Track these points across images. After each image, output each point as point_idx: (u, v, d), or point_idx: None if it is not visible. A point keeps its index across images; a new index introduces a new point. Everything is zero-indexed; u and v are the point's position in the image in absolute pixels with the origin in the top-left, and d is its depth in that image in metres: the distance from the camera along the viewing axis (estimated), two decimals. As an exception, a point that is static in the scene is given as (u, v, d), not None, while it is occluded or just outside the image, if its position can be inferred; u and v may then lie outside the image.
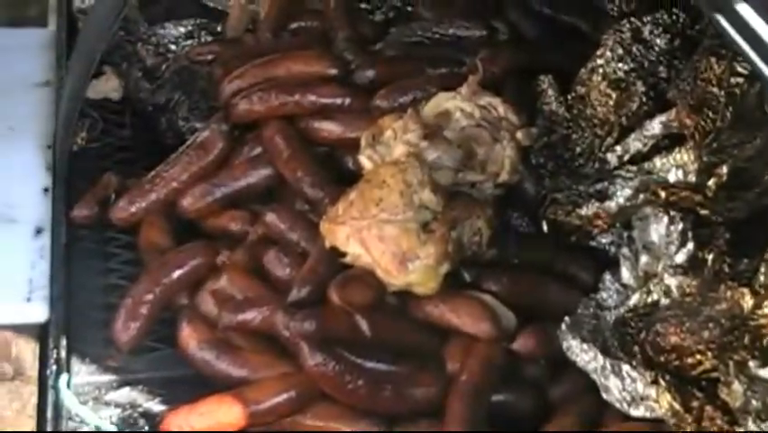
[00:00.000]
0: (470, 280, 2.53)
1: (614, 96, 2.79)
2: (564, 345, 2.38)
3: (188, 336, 2.44)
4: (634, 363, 2.29)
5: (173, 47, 3.25)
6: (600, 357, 2.31)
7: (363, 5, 3.34)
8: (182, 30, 3.29)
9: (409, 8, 3.34)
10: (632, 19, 2.91)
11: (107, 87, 3.15)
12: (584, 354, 2.34)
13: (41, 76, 3.31)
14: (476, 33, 3.12)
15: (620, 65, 2.82)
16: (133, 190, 2.82)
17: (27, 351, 2.57)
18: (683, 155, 2.55)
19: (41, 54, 3.38)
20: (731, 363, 2.18)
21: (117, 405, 2.43)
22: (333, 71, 2.91)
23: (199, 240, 2.72)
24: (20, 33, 3.49)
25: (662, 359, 2.30)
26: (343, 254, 2.46)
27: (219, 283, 2.55)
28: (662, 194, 2.55)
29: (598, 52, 2.87)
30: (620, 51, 2.84)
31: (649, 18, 2.88)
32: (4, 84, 3.28)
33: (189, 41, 3.27)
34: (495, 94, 2.71)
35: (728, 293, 2.27)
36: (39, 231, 2.79)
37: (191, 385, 2.43)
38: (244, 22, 3.25)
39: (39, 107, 3.15)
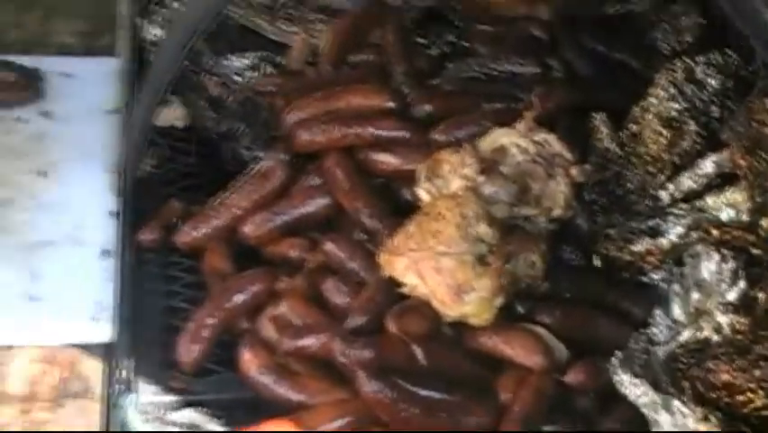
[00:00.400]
0: (524, 313, 2.51)
1: (666, 134, 2.77)
2: (615, 378, 2.35)
3: (249, 361, 2.44)
4: (684, 398, 2.25)
5: (237, 78, 3.26)
6: (651, 392, 2.28)
7: (420, 40, 3.32)
8: (246, 62, 3.30)
9: (465, 44, 3.32)
10: (684, 58, 2.89)
11: (173, 115, 3.16)
12: (635, 388, 2.30)
13: (111, 103, 3.33)
14: (531, 70, 3.11)
15: (673, 104, 2.81)
16: (197, 216, 2.82)
17: (94, 370, 2.58)
18: (736, 195, 2.53)
19: (111, 83, 3.40)
20: (782, 401, 2.17)
21: (179, 425, 2.41)
22: (392, 105, 2.89)
23: (259, 266, 2.71)
24: (91, 62, 3.51)
25: (713, 396, 2.26)
26: (401, 285, 2.44)
27: (279, 309, 2.54)
28: (715, 232, 2.53)
29: (651, 91, 2.85)
30: (673, 91, 2.83)
31: (702, 58, 2.86)
32: (75, 110, 3.31)
33: (253, 73, 3.27)
34: (549, 130, 2.68)
35: (780, 332, 2.25)
36: (106, 253, 2.80)
37: (250, 408, 2.43)
38: (306, 55, 3.25)
39: (108, 134, 3.17)
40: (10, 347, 2.59)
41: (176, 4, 3.55)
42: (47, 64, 3.45)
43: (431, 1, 3.54)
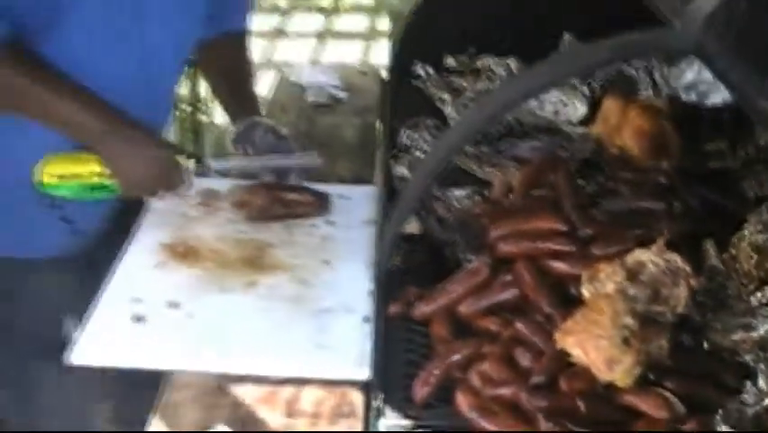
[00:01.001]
0: (654, 380, 2.44)
1: (755, 257, 2.69)
2: (718, 429, 2.29)
3: (462, 401, 2.44)
4: (769, 448, 2.18)
5: (456, 204, 3.29)
6: (744, 441, 2.21)
7: (581, 182, 3.28)
8: (462, 192, 3.33)
9: (612, 186, 3.27)
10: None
11: (412, 227, 3.19)
12: (732, 439, 2.24)
13: (371, 216, 3.40)
14: (659, 207, 3.04)
15: (759, 236, 2.74)
16: (427, 298, 2.82)
17: (357, 399, 2.62)
18: (810, 301, 2.45)
19: (373, 203, 3.47)
20: None
21: (415, 444, 2.44)
22: (563, 228, 2.86)
23: (469, 335, 2.71)
24: (360, 188, 3.64)
25: (791, 448, 2.18)
26: (570, 355, 2.42)
27: (482, 366, 2.52)
28: (794, 329, 2.44)
29: (745, 226, 2.80)
30: (760, 226, 2.76)
31: (782, 203, 2.80)
32: (348, 221, 3.40)
33: (467, 201, 3.30)
34: (674, 251, 2.60)
35: None
36: (366, 319, 2.84)
37: (462, 434, 2.43)
38: (503, 190, 3.25)
39: (369, 238, 3.22)
40: (304, 380, 2.65)
41: (417, 153, 3.62)
42: (332, 189, 3.54)
43: (588, 154, 3.53)
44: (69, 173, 2.93)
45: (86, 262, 3.26)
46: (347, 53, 11.35)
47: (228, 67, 3.85)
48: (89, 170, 2.93)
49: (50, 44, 2.84)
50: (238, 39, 3.87)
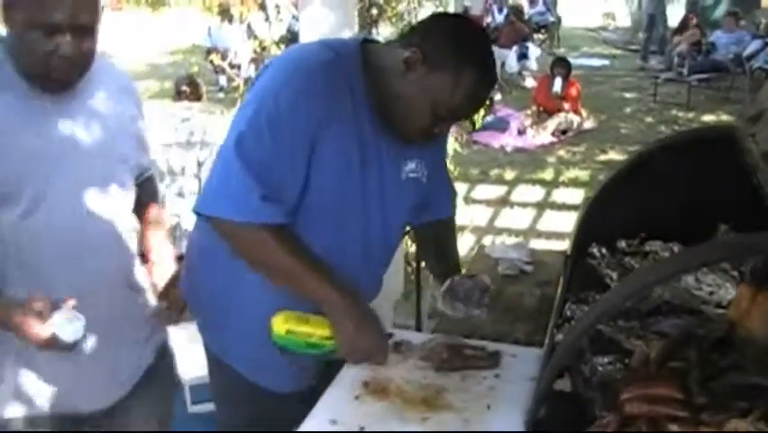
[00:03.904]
0: None
1: None
2: None
3: None
4: None
5: (600, 368, 3.54)
6: None
7: (713, 357, 3.42)
8: (606, 360, 3.58)
9: (740, 363, 3.38)
10: None
11: (562, 385, 3.48)
12: None
13: (533, 375, 3.70)
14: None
15: None
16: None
17: None
18: None
19: (535, 362, 3.79)
20: None
21: None
22: (681, 396, 3.06)
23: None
24: (527, 349, 3.95)
25: None
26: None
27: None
28: None
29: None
30: None
31: None
32: (513, 375, 3.70)
33: (609, 366, 3.55)
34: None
35: None
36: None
37: None
38: (642, 359, 3.46)
39: (528, 391, 3.54)
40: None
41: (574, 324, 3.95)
42: (504, 348, 3.93)
43: (721, 333, 3.70)
44: (299, 330, 3.38)
45: (309, 392, 3.81)
46: (562, 222, 11.76)
47: (436, 243, 4.36)
48: (317, 332, 3.39)
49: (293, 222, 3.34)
50: (444, 221, 4.37)
